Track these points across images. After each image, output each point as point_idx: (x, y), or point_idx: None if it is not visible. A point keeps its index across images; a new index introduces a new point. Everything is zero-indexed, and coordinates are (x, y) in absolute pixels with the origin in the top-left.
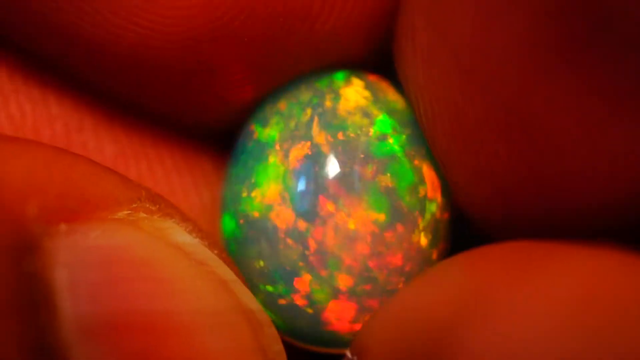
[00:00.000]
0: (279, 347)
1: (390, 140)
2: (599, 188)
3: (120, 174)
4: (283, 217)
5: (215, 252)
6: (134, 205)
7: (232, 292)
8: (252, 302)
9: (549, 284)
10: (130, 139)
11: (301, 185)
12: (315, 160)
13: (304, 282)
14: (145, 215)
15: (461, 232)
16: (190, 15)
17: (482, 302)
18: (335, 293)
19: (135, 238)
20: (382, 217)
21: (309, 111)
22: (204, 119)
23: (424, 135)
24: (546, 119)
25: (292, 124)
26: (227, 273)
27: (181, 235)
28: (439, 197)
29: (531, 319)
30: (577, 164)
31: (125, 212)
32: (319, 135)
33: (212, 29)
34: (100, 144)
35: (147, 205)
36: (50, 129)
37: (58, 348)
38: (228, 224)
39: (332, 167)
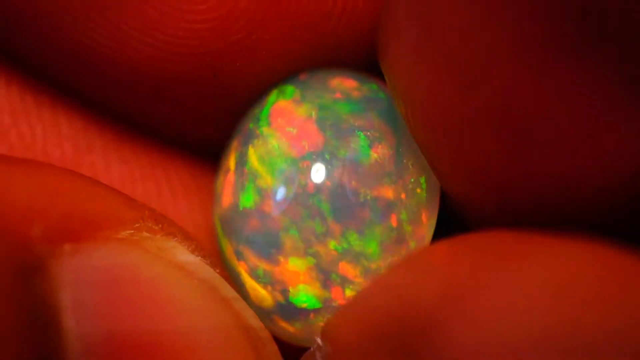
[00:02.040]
0: None
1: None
2: (593, 184)
3: (124, 193)
4: None
5: (217, 270)
6: (137, 225)
7: (234, 310)
8: (253, 320)
9: (531, 271)
10: (139, 159)
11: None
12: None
13: None
14: (148, 234)
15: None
16: (207, 29)
17: (463, 289)
18: None
19: (139, 258)
20: None
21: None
22: (213, 136)
23: (412, 135)
24: (539, 118)
25: None
26: (228, 291)
27: (183, 254)
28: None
29: (513, 307)
30: (570, 162)
31: (129, 231)
32: None
33: (229, 43)
34: (109, 164)
35: (150, 225)
36: (60, 150)
37: None
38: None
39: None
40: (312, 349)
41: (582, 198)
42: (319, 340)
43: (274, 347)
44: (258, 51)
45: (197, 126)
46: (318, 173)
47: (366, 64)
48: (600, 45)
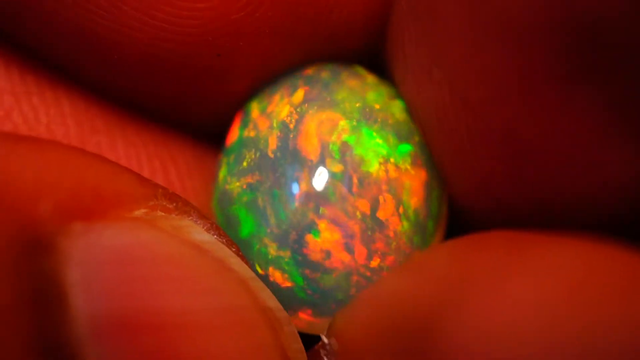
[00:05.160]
0: (298, 345)
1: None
2: (592, 199)
3: (136, 172)
4: None
5: (233, 249)
6: (151, 204)
7: (251, 290)
8: (271, 300)
9: (534, 272)
10: (143, 139)
11: None
12: None
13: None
14: (162, 213)
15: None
16: (208, 8)
17: (467, 290)
18: None
19: (152, 236)
20: None
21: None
22: (214, 116)
23: (423, 136)
24: (541, 140)
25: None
26: (245, 270)
27: (199, 233)
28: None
29: (516, 308)
30: (572, 181)
31: (143, 210)
32: None
33: (232, 22)
34: (114, 144)
35: (164, 204)
36: (64, 128)
37: (70, 346)
38: None
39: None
40: (316, 346)
41: (580, 211)
42: (324, 338)
43: (292, 328)
44: (260, 30)
45: (199, 107)
46: (321, 176)
47: (369, 44)
48: (594, 75)
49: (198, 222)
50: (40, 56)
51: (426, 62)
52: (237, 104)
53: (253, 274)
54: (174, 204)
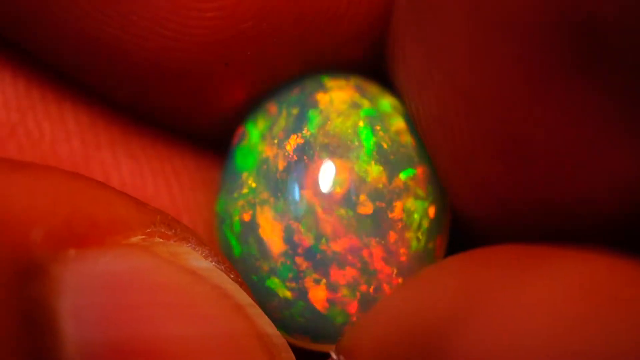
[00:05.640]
0: None
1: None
2: (595, 200)
3: (135, 198)
4: None
5: (232, 276)
6: (149, 230)
7: (248, 317)
8: (268, 327)
9: (542, 287)
10: (147, 154)
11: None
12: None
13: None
14: (160, 240)
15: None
16: (217, 18)
17: (476, 305)
18: None
19: (148, 263)
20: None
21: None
22: (219, 125)
23: (424, 142)
24: (541, 140)
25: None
26: (243, 297)
27: (197, 260)
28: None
29: (525, 323)
30: (571, 181)
31: (140, 237)
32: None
33: (240, 32)
34: (118, 160)
35: (163, 230)
36: (68, 146)
37: None
38: None
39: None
40: None
41: (583, 212)
42: (333, 355)
43: (289, 355)
44: (268, 40)
45: (205, 116)
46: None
47: (375, 54)
48: (595, 69)
49: (196, 249)
50: (48, 65)
51: (427, 63)
52: (243, 113)
53: (251, 301)
54: (173, 230)
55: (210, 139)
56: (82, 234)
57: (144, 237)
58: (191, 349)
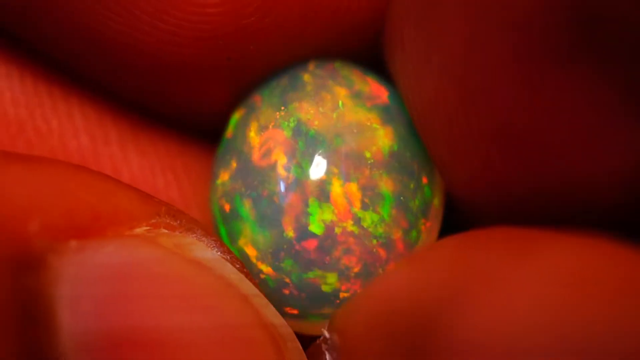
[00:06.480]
0: None
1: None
2: (593, 187)
3: (139, 190)
4: None
5: (237, 266)
6: (153, 221)
7: (254, 307)
8: (274, 317)
9: (538, 267)
10: (156, 149)
11: None
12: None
13: None
14: (165, 231)
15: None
16: (219, 13)
17: (470, 286)
18: None
19: (151, 254)
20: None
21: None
22: (223, 119)
23: (418, 132)
24: (538, 127)
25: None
26: (248, 287)
27: (202, 250)
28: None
29: (518, 304)
30: (568, 167)
31: (144, 228)
32: None
33: (242, 27)
34: (127, 156)
35: (168, 221)
36: (77, 141)
37: None
38: None
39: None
40: (318, 341)
41: (580, 198)
42: (325, 332)
43: (296, 344)
44: (271, 34)
45: (208, 110)
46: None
47: (376, 49)
48: (593, 55)
49: (202, 240)
50: (53, 61)
51: (425, 49)
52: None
53: (257, 291)
54: (178, 221)
55: (215, 134)
56: (83, 225)
57: (148, 228)
58: (195, 340)
